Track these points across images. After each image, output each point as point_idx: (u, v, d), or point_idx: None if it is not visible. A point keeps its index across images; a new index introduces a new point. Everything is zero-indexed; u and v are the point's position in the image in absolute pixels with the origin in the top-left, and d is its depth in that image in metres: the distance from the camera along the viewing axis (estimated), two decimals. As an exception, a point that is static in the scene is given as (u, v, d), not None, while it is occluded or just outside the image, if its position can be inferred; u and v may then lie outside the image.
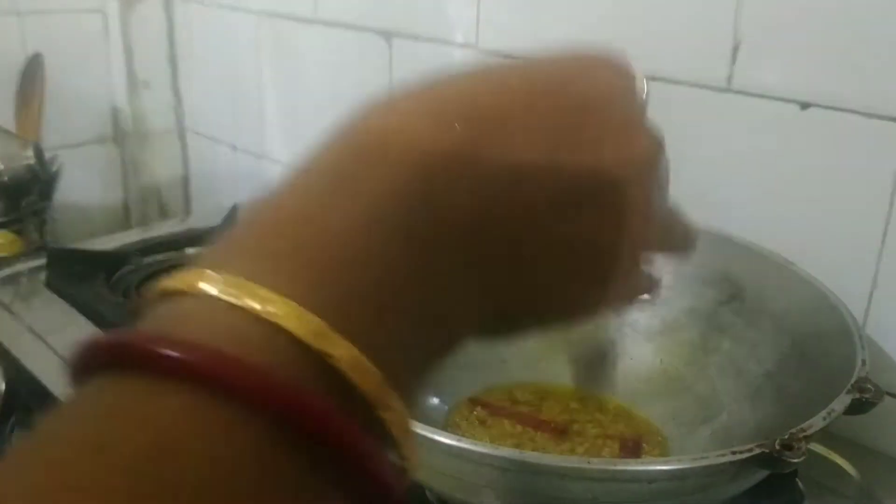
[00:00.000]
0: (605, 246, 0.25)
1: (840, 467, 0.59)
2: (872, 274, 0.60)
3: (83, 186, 1.33)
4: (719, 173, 0.68)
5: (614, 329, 0.68)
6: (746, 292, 0.61)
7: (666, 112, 0.74)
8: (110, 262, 0.95)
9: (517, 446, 0.59)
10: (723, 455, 0.41)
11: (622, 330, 0.67)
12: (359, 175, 0.22)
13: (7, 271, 0.93)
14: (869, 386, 0.46)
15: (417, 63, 0.91)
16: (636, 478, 0.41)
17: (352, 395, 0.19)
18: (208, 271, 0.20)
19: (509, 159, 0.22)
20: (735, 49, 0.64)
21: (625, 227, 0.25)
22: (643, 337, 0.66)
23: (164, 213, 1.43)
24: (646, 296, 0.28)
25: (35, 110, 1.19)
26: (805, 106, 0.61)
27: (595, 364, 0.56)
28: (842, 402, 0.45)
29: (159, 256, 0.99)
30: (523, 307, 0.25)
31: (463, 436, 0.45)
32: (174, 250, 1.01)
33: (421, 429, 0.42)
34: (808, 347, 0.55)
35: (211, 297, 0.19)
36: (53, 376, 0.71)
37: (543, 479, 0.41)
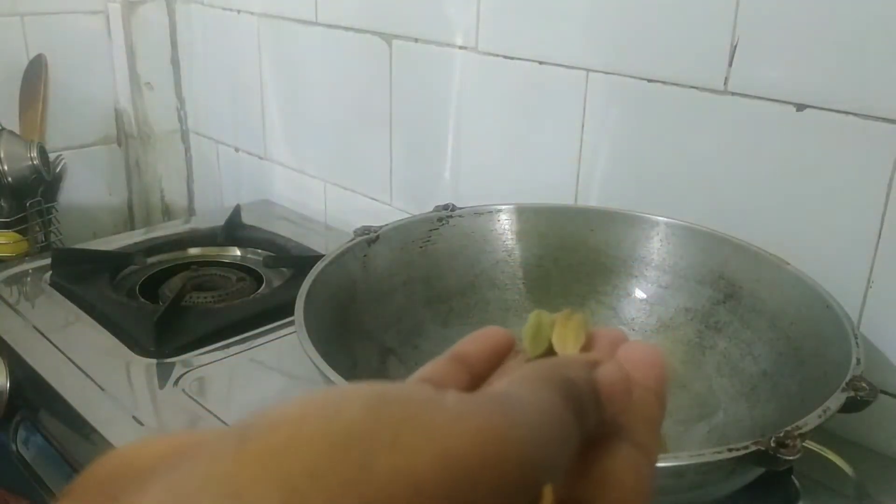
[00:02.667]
0: None
1: (835, 465, 0.59)
2: (867, 273, 0.61)
3: (87, 187, 1.34)
4: (716, 174, 0.68)
5: (612, 327, 0.68)
6: (742, 292, 0.62)
7: (664, 113, 0.75)
8: (114, 262, 0.95)
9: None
10: (719, 452, 0.41)
11: (620, 329, 0.68)
12: None
13: (12, 271, 0.94)
14: (863, 384, 0.47)
15: (417, 65, 0.92)
16: (633, 474, 0.42)
17: None
18: None
19: None
20: (732, 51, 0.65)
21: None
22: (640, 336, 0.67)
23: (167, 213, 1.44)
24: None
25: (38, 111, 1.19)
26: (801, 107, 0.62)
27: None
28: (837, 400, 0.46)
29: (163, 256, 1.00)
30: None
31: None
32: (177, 250, 1.02)
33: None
34: (804, 346, 0.56)
35: None
36: (58, 375, 0.72)
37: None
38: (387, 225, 0.68)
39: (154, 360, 0.75)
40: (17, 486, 0.79)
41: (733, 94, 0.66)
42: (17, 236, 1.12)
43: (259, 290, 0.92)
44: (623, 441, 0.21)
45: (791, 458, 0.41)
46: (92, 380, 0.71)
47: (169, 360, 0.75)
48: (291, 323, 0.54)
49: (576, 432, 0.19)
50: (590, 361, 0.21)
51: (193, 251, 1.03)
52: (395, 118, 0.97)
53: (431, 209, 0.72)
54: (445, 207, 0.71)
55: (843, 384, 0.47)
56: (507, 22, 0.81)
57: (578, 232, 0.70)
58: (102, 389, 0.69)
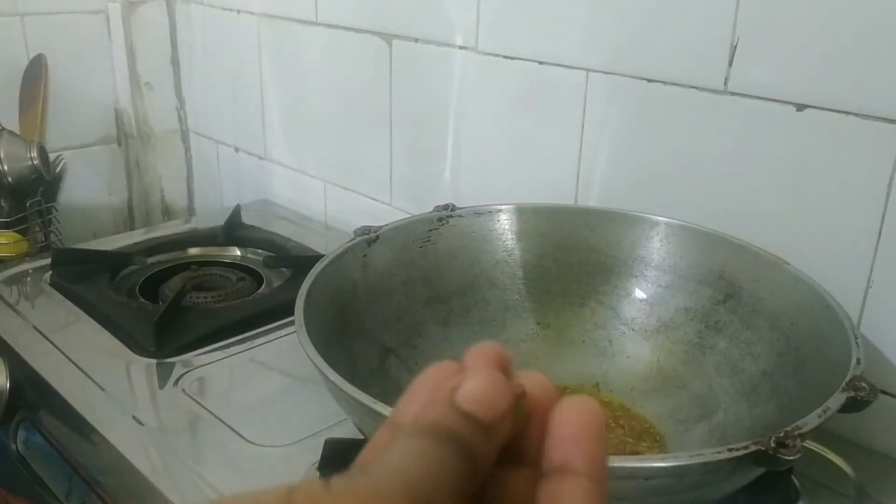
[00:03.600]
0: None
1: (835, 465, 0.59)
2: (867, 273, 0.61)
3: (87, 187, 1.34)
4: (716, 174, 0.68)
5: (612, 327, 0.68)
6: (742, 291, 0.62)
7: (664, 113, 0.75)
8: (114, 262, 0.95)
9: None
10: (719, 452, 0.41)
11: (620, 329, 0.68)
12: None
13: (12, 271, 0.94)
14: (863, 384, 0.47)
15: (417, 65, 0.92)
16: (634, 475, 0.42)
17: None
18: None
19: None
20: (732, 51, 0.65)
21: None
22: (640, 336, 0.67)
23: (167, 213, 1.44)
24: None
25: (38, 111, 1.19)
26: (801, 107, 0.62)
27: None
28: (837, 400, 0.46)
29: (163, 256, 1.00)
30: None
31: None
32: (177, 250, 1.02)
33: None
34: (804, 346, 0.56)
35: None
36: (58, 375, 0.72)
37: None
38: (387, 225, 0.68)
39: (154, 360, 0.75)
40: (17, 486, 0.79)
41: (733, 94, 0.66)
42: (17, 236, 1.12)
43: (259, 290, 0.92)
44: None
45: (791, 458, 0.41)
46: (92, 380, 0.71)
47: (169, 360, 0.75)
48: (291, 323, 0.54)
49: (459, 460, 0.20)
50: (451, 388, 0.21)
51: (193, 251, 1.03)
52: (395, 118, 0.97)
53: (431, 209, 0.72)
54: (445, 207, 0.71)
55: (843, 384, 0.47)
56: (507, 22, 0.81)
57: (578, 232, 0.70)
58: (102, 389, 0.69)
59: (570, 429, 0.22)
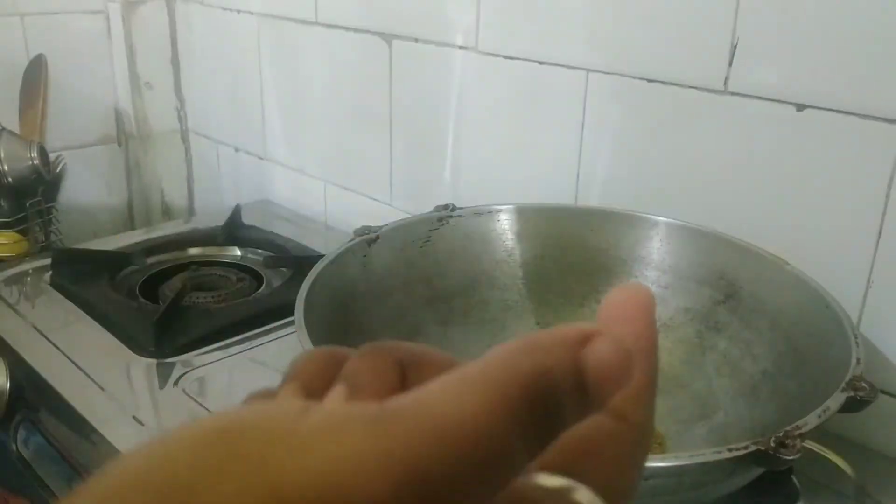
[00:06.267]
0: None
1: (835, 465, 0.59)
2: (867, 273, 0.61)
3: (87, 187, 1.34)
4: (716, 174, 0.68)
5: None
6: (743, 292, 0.62)
7: (664, 113, 0.75)
8: (114, 262, 0.95)
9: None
10: (719, 452, 0.41)
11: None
12: None
13: (12, 271, 0.94)
14: (863, 384, 0.47)
15: (417, 65, 0.92)
16: (633, 474, 0.42)
17: None
18: None
19: None
20: (732, 51, 0.65)
21: None
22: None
23: (167, 213, 1.43)
24: None
25: (38, 111, 1.19)
26: (801, 107, 0.62)
27: None
28: (837, 400, 0.46)
29: (163, 256, 1.00)
30: None
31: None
32: (177, 250, 1.02)
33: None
34: (804, 346, 0.56)
35: None
36: (58, 375, 0.72)
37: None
38: (387, 225, 0.68)
39: (154, 360, 0.75)
40: (17, 486, 0.79)
41: (733, 94, 0.66)
42: (17, 236, 1.12)
43: (259, 290, 0.92)
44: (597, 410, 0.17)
45: (791, 458, 0.41)
46: (92, 380, 0.71)
47: (169, 360, 0.75)
48: (291, 323, 0.54)
49: (522, 444, 0.15)
50: (582, 335, 0.16)
51: (193, 251, 1.03)
52: (395, 118, 0.97)
53: (431, 209, 0.72)
54: (445, 207, 0.71)
55: (843, 384, 0.47)
56: (507, 22, 0.81)
57: (578, 232, 0.70)
58: (102, 389, 0.69)
59: (618, 309, 0.18)
